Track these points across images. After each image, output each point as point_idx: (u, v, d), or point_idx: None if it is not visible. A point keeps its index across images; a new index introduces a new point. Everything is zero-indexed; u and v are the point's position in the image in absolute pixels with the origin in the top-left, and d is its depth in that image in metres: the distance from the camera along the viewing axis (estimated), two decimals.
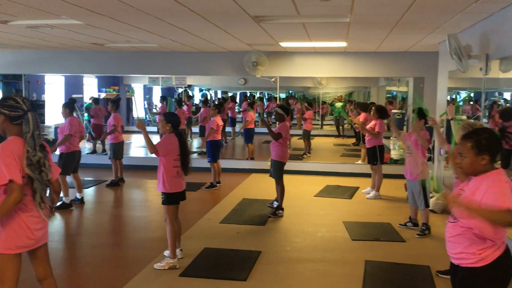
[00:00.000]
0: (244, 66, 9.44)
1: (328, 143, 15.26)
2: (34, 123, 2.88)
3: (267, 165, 9.81)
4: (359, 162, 10.44)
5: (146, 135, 4.66)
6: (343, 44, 8.13)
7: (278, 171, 6.62)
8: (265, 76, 9.60)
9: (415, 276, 4.52)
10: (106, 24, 6.37)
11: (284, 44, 8.47)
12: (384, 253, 5.17)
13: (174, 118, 4.66)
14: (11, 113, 2.86)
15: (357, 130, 10.59)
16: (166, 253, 4.97)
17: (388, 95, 16.53)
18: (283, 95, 22.12)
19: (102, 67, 10.27)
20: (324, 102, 19.94)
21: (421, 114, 5.61)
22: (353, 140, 14.57)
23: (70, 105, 7.31)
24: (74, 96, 12.65)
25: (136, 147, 13.61)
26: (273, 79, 9.77)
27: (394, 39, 7.38)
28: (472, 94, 7.92)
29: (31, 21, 6.14)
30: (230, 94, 19.37)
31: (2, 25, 6.42)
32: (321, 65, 9.59)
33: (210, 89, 22.18)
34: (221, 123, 8.56)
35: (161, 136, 5.28)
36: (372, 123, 7.85)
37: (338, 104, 17.05)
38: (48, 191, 3.01)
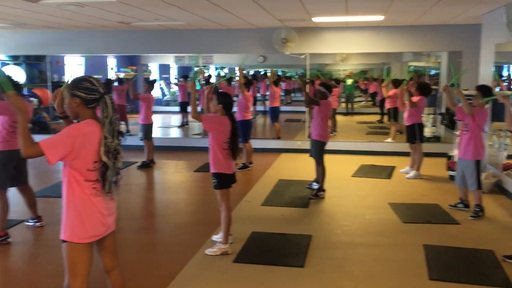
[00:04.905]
0: (273, 43, 9.15)
1: (350, 121, 14.97)
2: (111, 107, 2.65)
3: (296, 144, 9.61)
4: (389, 140, 10.19)
5: (194, 97, 4.37)
6: (379, 17, 7.80)
7: (319, 151, 6.41)
8: (294, 53, 9.31)
9: (481, 261, 4.30)
10: (138, 1, 6.13)
11: (316, 19, 8.15)
12: (441, 236, 4.96)
13: (226, 99, 4.33)
14: (87, 96, 2.61)
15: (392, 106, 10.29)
16: (215, 237, 4.81)
17: (409, 71, 16.08)
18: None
19: (126, 46, 10.02)
20: (341, 80, 19.54)
21: (486, 91, 5.33)
22: (374, 118, 14.30)
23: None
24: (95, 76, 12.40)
25: (157, 127, 13.38)
26: (302, 56, 9.47)
27: (436, 12, 7.04)
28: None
29: None
30: (251, 73, 18.88)
31: (32, 4, 6.18)
32: (352, 40, 9.25)
33: (224, 67, 21.77)
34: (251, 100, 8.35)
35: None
36: (415, 99, 7.53)
37: (349, 81, 16.63)
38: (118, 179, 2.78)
